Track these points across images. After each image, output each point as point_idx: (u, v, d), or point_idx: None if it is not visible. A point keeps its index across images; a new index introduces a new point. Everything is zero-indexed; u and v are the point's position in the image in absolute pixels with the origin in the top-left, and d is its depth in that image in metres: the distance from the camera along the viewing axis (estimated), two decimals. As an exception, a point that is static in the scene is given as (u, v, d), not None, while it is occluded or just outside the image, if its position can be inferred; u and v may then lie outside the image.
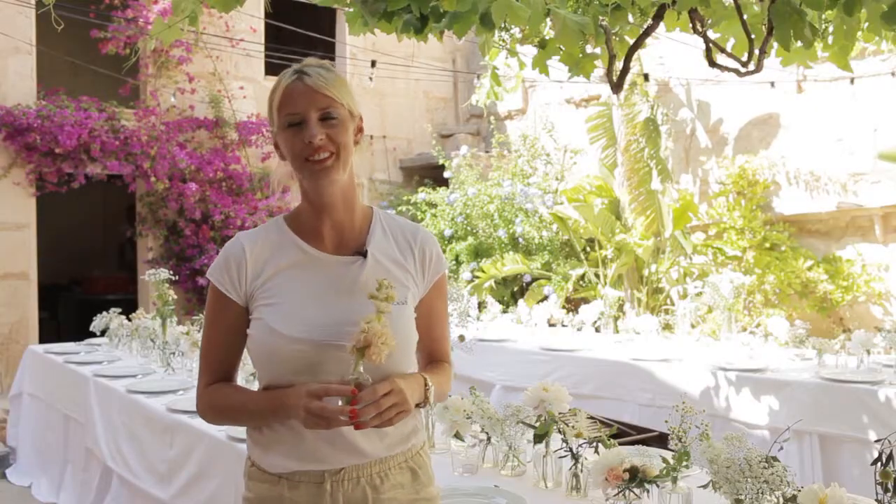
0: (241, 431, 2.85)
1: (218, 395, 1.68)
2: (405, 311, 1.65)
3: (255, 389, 1.70)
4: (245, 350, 1.71)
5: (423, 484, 1.68)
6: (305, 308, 1.60)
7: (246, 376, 3.27)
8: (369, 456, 1.61)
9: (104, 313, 5.17)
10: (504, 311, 6.82)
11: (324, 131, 1.59)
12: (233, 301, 1.65)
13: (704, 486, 1.97)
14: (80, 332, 5.87)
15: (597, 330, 5.97)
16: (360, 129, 1.68)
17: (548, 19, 2.92)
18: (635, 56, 3.63)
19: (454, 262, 8.21)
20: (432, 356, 1.79)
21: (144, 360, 4.65)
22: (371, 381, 1.48)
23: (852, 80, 6.61)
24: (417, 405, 1.62)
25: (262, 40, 8.64)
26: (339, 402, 1.47)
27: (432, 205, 8.72)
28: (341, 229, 1.68)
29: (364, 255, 1.66)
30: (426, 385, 1.63)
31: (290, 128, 1.60)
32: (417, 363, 1.76)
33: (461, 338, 3.72)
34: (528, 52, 3.68)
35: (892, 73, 6.54)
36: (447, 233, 8.29)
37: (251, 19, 8.20)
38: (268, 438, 1.63)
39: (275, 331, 1.58)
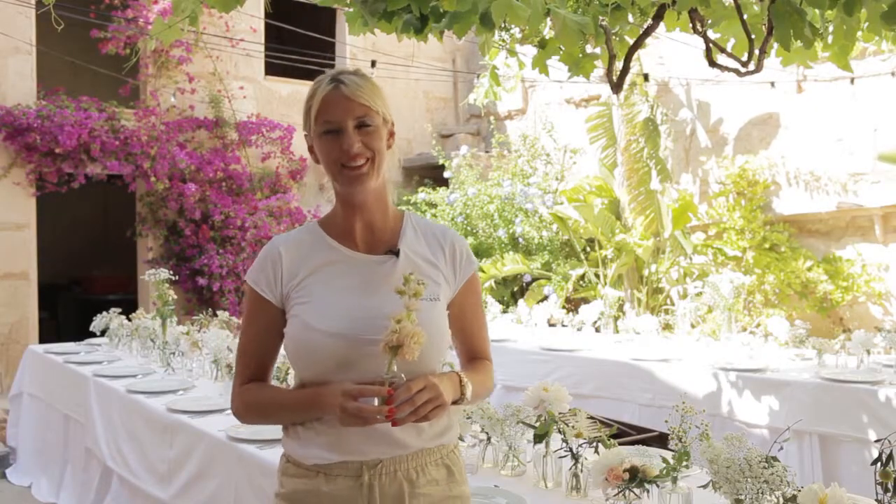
0: (241, 432, 2.86)
1: (253, 394, 1.72)
2: (437, 307, 1.68)
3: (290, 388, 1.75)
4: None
5: (457, 482, 1.72)
6: (340, 304, 1.64)
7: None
8: (406, 447, 1.64)
9: (104, 313, 5.17)
10: (504, 311, 6.82)
11: (359, 139, 1.63)
12: (269, 302, 1.70)
13: (704, 486, 1.97)
14: (80, 332, 5.87)
15: (597, 330, 5.97)
16: (391, 134, 1.72)
17: (548, 19, 2.92)
18: (635, 56, 3.63)
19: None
20: (471, 354, 1.82)
21: (144, 360, 4.65)
22: (405, 378, 1.51)
23: (852, 80, 6.61)
24: (454, 402, 1.64)
25: (262, 40, 8.64)
26: (375, 402, 1.50)
27: (432, 205, 8.72)
28: (373, 229, 1.72)
29: (396, 253, 1.70)
30: (461, 381, 1.66)
31: (326, 135, 1.64)
32: (458, 362, 1.81)
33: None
34: (528, 52, 3.68)
35: (892, 73, 6.54)
36: (448, 233, 8.29)
37: (251, 19, 8.20)
38: (306, 432, 1.66)
39: (311, 326, 1.62)
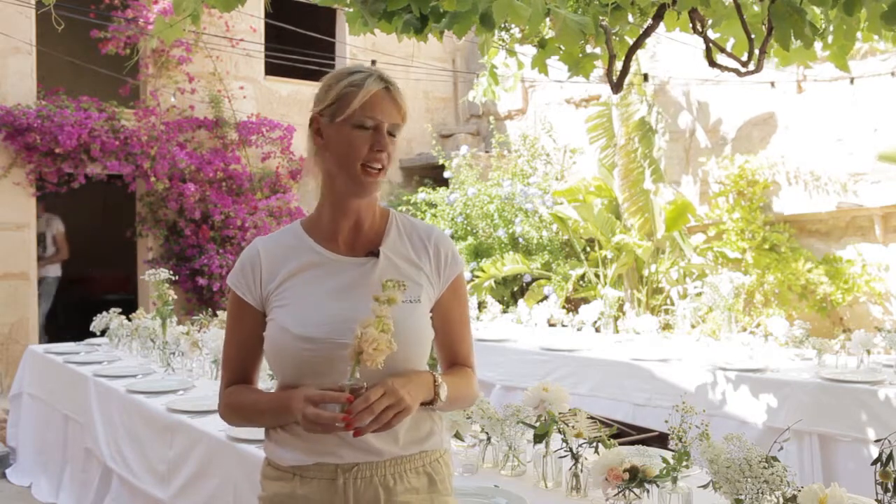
0: (241, 432, 2.86)
1: (235, 397, 1.71)
2: (417, 308, 1.64)
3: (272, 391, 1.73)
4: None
5: (439, 492, 1.66)
6: (315, 307, 1.61)
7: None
8: (383, 455, 1.60)
9: (104, 313, 5.17)
10: (504, 311, 6.82)
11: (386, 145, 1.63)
12: (249, 305, 1.68)
13: (704, 486, 1.97)
14: (80, 332, 5.87)
15: (597, 330, 5.97)
16: None
17: (548, 19, 2.92)
18: (635, 56, 3.63)
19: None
20: (453, 360, 1.77)
21: (144, 360, 4.65)
22: (366, 385, 1.47)
23: (852, 81, 6.61)
24: (426, 403, 1.60)
25: (262, 40, 8.64)
26: (336, 409, 1.47)
27: (432, 205, 8.72)
28: (358, 231, 1.69)
29: (376, 255, 1.67)
30: (435, 382, 1.61)
31: (360, 128, 1.61)
32: (439, 367, 1.77)
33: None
34: (528, 52, 3.68)
35: (892, 73, 6.54)
36: (447, 233, 8.29)
37: (251, 19, 8.20)
38: (285, 434, 1.64)
39: (285, 330, 1.60)
